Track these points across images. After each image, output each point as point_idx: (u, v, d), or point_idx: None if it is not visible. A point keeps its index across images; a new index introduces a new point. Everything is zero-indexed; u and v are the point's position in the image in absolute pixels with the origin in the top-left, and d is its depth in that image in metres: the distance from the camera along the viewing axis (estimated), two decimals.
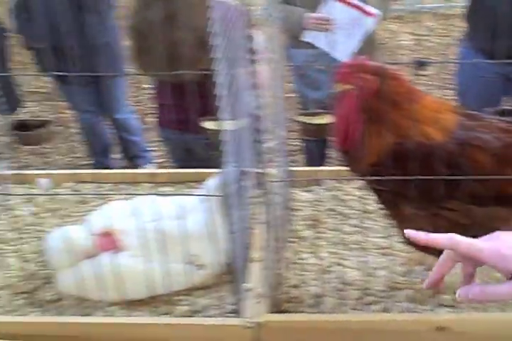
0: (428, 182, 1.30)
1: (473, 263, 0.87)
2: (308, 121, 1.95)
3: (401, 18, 6.41)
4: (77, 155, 4.36)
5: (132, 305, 1.53)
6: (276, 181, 1.86)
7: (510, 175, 1.33)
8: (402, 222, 1.44)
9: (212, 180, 1.66)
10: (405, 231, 0.90)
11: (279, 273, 1.59)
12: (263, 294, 1.41)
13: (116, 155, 4.25)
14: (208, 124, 2.04)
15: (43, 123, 1.95)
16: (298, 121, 1.99)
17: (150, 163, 4.15)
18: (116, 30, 3.81)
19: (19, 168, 2.13)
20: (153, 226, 1.55)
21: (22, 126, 1.99)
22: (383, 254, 1.68)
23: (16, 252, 1.74)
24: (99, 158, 4.07)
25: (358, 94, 1.41)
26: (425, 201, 1.37)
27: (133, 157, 4.14)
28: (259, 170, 1.95)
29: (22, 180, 2.12)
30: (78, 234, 1.56)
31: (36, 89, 5.37)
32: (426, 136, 1.38)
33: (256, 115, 1.79)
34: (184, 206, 1.64)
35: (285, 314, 1.39)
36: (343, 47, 3.26)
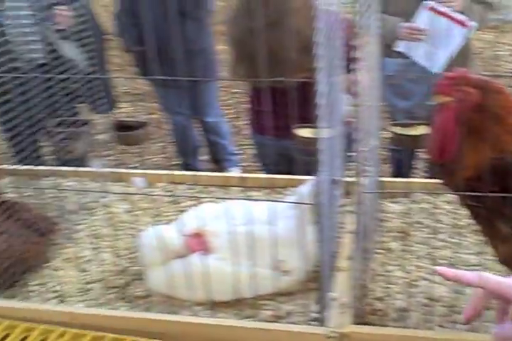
0: None
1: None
2: (400, 132, 1.93)
3: (497, 28, 6.22)
4: (167, 155, 4.48)
5: (218, 306, 1.56)
6: (367, 192, 1.86)
7: None
8: (497, 240, 1.40)
9: (304, 187, 1.67)
10: (436, 267, 0.88)
11: (365, 284, 1.59)
12: (348, 304, 1.41)
13: (203, 157, 4.35)
14: (302, 132, 2.05)
15: (140, 125, 2.02)
16: (390, 131, 1.97)
17: (236, 166, 4.22)
18: (212, 35, 3.90)
19: (115, 167, 2.20)
20: (244, 229, 1.58)
21: (120, 127, 2.07)
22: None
23: (110, 248, 1.81)
24: (188, 159, 4.17)
25: (457, 106, 1.39)
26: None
27: (220, 160, 4.22)
28: (350, 180, 1.96)
29: (118, 178, 2.20)
30: (171, 233, 1.60)
31: (130, 90, 5.57)
32: None
33: (350, 123, 1.79)
34: (274, 211, 1.66)
35: (369, 326, 1.38)
36: (435, 58, 3.21)
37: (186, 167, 4.12)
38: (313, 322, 1.41)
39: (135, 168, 3.86)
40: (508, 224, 1.36)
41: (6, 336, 1.41)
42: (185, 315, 1.48)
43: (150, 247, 1.58)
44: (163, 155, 4.54)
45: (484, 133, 1.36)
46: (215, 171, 3.93)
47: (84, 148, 2.01)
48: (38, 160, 2.04)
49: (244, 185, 2.06)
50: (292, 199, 1.67)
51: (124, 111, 5.19)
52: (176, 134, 4.10)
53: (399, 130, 1.98)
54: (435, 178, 1.48)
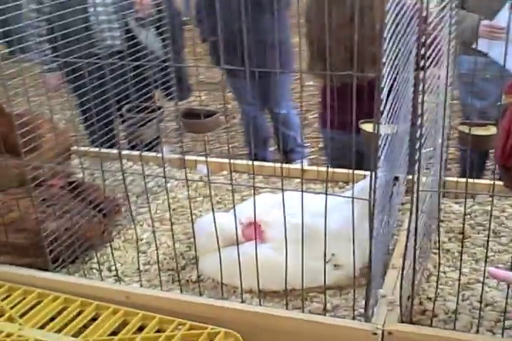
0: None
1: None
2: (468, 131, 1.89)
3: None
4: (236, 144, 4.53)
5: (267, 295, 1.58)
6: (426, 191, 1.83)
7: None
8: None
9: (362, 182, 1.67)
10: (489, 268, 0.86)
11: (416, 284, 1.57)
12: (396, 302, 1.41)
13: (272, 148, 4.38)
14: (366, 126, 2.04)
15: (210, 113, 2.06)
16: (458, 130, 1.93)
17: (304, 158, 4.22)
18: (288, 28, 3.91)
19: (181, 153, 2.26)
20: (298, 221, 1.59)
21: (190, 114, 2.11)
22: None
23: (169, 232, 1.86)
24: (256, 149, 4.20)
25: None
26: None
27: (288, 151, 4.23)
28: (410, 177, 1.93)
29: (183, 165, 2.25)
30: (226, 220, 1.63)
31: (205, 79, 5.65)
32: None
33: (415, 120, 1.76)
34: (330, 205, 1.66)
35: (415, 326, 1.37)
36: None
37: (255, 157, 4.16)
38: (359, 318, 1.41)
39: (201, 155, 3.94)
40: None
41: (63, 309, 1.48)
42: (234, 302, 1.51)
43: (205, 233, 1.62)
44: (232, 145, 4.60)
45: None
46: (283, 162, 3.96)
47: (152, 134, 2.07)
48: (109, 143, 2.11)
49: (305, 177, 2.07)
50: (349, 193, 1.67)
51: (200, 99, 5.28)
52: (245, 124, 4.14)
53: (467, 129, 1.94)
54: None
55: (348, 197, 1.40)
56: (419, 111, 1.41)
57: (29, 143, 1.74)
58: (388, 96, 1.40)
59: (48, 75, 3.24)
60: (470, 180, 2.05)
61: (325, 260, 1.57)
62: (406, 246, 1.50)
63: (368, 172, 1.71)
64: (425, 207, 1.80)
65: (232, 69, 3.69)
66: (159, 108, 2.14)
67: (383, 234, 1.61)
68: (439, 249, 1.74)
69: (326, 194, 1.37)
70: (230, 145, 4.80)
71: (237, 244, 1.59)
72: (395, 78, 1.49)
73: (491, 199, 1.94)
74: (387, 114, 1.40)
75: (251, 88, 3.91)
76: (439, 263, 1.50)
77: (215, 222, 1.61)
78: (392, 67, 1.33)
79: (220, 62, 3.70)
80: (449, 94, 1.83)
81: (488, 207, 1.92)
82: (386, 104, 1.33)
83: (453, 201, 2.00)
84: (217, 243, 1.61)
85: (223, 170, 2.24)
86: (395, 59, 1.36)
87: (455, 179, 2.01)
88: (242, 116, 4.14)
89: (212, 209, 1.50)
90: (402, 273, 1.45)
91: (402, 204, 1.95)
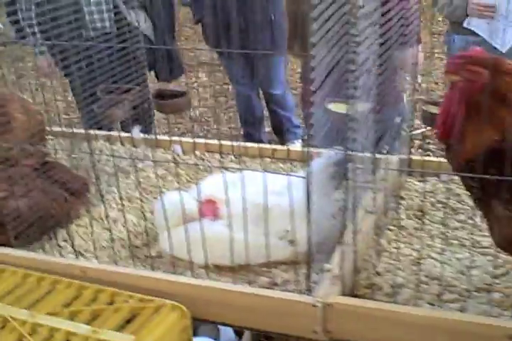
0: None
1: None
2: (430, 110, 1.91)
3: None
4: (233, 125, 4.57)
5: (222, 270, 1.62)
6: (387, 169, 1.86)
7: None
8: (494, 222, 1.38)
9: (317, 160, 1.70)
10: None
11: (366, 259, 1.61)
12: (339, 276, 1.44)
13: (268, 128, 4.41)
14: (332, 106, 2.06)
15: (180, 94, 2.09)
16: (422, 109, 1.95)
17: (299, 139, 4.24)
18: (281, 8, 3.89)
19: (154, 134, 2.30)
20: (254, 199, 1.63)
21: (161, 95, 2.15)
22: (482, 254, 1.63)
23: (136, 210, 1.91)
24: (251, 129, 4.23)
25: (465, 86, 1.37)
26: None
27: (284, 132, 4.25)
28: (374, 156, 1.96)
29: (159, 145, 2.30)
30: (185, 198, 1.67)
31: (210, 60, 5.67)
32: None
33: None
34: (286, 183, 1.69)
35: (355, 298, 1.41)
36: (504, 36, 3.10)
37: (250, 138, 4.19)
38: (305, 291, 1.45)
39: (200, 137, 3.98)
40: (503, 206, 1.34)
41: (20, 284, 1.54)
42: (187, 277, 1.56)
43: (164, 211, 1.66)
44: (229, 125, 4.63)
45: (489, 114, 1.33)
46: (278, 143, 3.99)
47: (123, 115, 2.10)
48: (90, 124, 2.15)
49: (276, 156, 2.10)
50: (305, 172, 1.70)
51: (200, 81, 5.32)
52: (239, 104, 4.17)
53: (431, 109, 1.95)
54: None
55: (284, 174, 1.43)
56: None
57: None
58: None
59: (41, 58, 3.29)
60: (435, 159, 2.07)
61: (280, 236, 1.62)
62: (361, 223, 1.54)
63: (324, 151, 1.76)
64: (386, 185, 1.83)
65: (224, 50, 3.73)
66: (128, 90, 2.16)
67: (339, 211, 1.65)
68: (395, 226, 1.78)
69: (266, 172, 1.40)
70: (228, 127, 4.81)
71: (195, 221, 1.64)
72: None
73: (455, 177, 1.97)
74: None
75: (243, 68, 3.93)
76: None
77: (174, 200, 1.66)
78: (331, 46, 1.35)
79: (213, 43, 3.74)
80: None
81: (452, 186, 1.94)
82: (324, 82, 1.35)
83: (417, 179, 2.02)
84: (176, 220, 1.66)
85: (196, 149, 2.28)
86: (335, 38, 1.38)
87: (420, 158, 2.02)
88: (236, 97, 4.17)
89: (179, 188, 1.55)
90: (351, 249, 1.48)
91: (365, 182, 1.96)
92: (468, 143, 1.36)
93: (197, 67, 5.35)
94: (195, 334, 2.48)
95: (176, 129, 4.89)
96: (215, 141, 2.27)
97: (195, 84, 5.54)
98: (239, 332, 2.48)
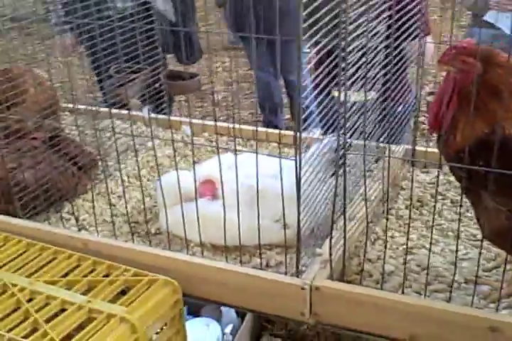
0: (508, 178, 1.25)
1: None
2: (430, 100, 1.92)
3: None
4: (253, 111, 4.59)
5: (218, 250, 1.66)
6: (388, 158, 1.87)
7: None
8: (482, 214, 1.40)
9: (316, 146, 1.73)
10: None
11: (358, 246, 1.63)
12: (329, 261, 1.47)
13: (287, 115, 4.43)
14: (336, 93, 2.08)
15: (192, 76, 2.13)
16: (426, 101, 1.96)
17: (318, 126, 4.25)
18: None
19: (167, 114, 2.33)
20: (250, 181, 1.66)
21: (173, 76, 2.18)
22: (476, 246, 1.64)
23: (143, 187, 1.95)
24: (269, 116, 4.25)
25: (457, 77, 1.38)
26: (504, 196, 1.33)
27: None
28: (377, 145, 1.98)
29: (169, 125, 2.34)
30: (185, 178, 1.71)
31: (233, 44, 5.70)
32: None
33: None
34: (283, 167, 1.72)
35: (344, 283, 1.44)
36: None
37: (268, 124, 4.21)
38: (294, 274, 1.48)
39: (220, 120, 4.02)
40: (491, 198, 1.36)
41: (24, 252, 1.60)
42: (183, 254, 1.60)
43: (164, 189, 1.70)
44: (251, 111, 4.66)
45: (480, 106, 1.34)
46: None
47: (133, 94, 2.14)
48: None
49: (282, 141, 2.13)
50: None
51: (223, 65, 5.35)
52: (259, 90, 4.19)
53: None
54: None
55: (274, 156, 1.46)
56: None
57: (12, 98, 1.85)
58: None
59: (61, 37, 3.34)
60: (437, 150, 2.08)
61: (275, 219, 1.65)
62: (357, 210, 1.57)
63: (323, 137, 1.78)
64: (384, 174, 1.84)
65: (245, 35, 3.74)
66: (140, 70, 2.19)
67: (337, 196, 1.67)
68: (393, 215, 1.80)
69: (257, 153, 1.43)
70: (249, 113, 4.82)
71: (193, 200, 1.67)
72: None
73: None
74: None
75: (264, 54, 3.94)
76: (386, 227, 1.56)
77: (173, 180, 1.70)
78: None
79: (235, 28, 3.78)
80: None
81: (452, 178, 1.95)
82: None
83: (421, 170, 2.04)
84: (175, 199, 1.70)
85: (205, 131, 2.31)
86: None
87: (424, 149, 2.03)
88: (256, 83, 4.19)
89: (176, 168, 1.59)
90: (344, 235, 1.51)
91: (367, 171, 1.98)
92: (458, 134, 1.37)
93: (222, 52, 5.38)
94: (197, 314, 2.54)
95: (196, 113, 4.95)
96: (224, 124, 2.30)
97: (219, 69, 5.58)
98: (241, 314, 2.53)
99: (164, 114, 2.39)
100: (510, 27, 3.09)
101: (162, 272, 1.50)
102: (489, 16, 3.14)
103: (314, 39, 1.33)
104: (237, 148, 2.19)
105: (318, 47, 1.32)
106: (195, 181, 1.60)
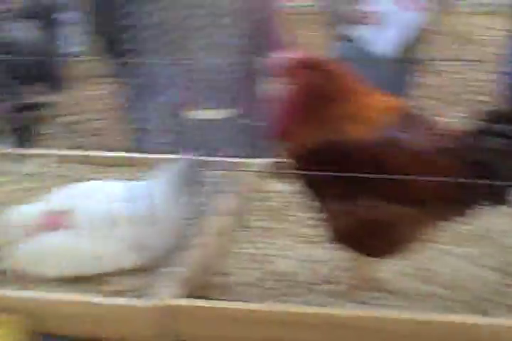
0: (342, 179, 1.28)
1: None
2: None
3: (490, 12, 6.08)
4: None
5: (71, 282, 1.58)
6: (242, 171, 1.89)
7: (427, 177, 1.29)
8: (327, 216, 1.43)
9: (167, 166, 1.70)
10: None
11: (215, 261, 1.62)
12: (179, 278, 1.44)
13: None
14: (192, 113, 2.09)
15: (35, 106, 2.06)
16: None
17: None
18: None
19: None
20: (101, 207, 1.61)
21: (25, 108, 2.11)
22: (328, 248, 1.66)
23: None
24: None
25: (291, 87, 1.42)
26: (341, 198, 1.36)
27: None
28: (228, 160, 1.99)
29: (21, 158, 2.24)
30: (30, 211, 1.64)
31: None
32: (350, 134, 1.35)
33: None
34: (136, 190, 1.68)
35: (189, 299, 1.40)
36: (381, 41, 3.20)
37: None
38: (145, 296, 1.44)
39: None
40: (334, 202, 1.39)
41: None
42: (26, 291, 1.51)
43: (7, 226, 1.62)
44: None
45: (315, 114, 1.38)
46: None
47: None
48: None
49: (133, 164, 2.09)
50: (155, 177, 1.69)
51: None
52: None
53: None
54: None
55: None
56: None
57: None
58: None
59: None
60: None
61: (128, 244, 1.61)
62: (210, 226, 1.55)
63: (174, 156, 1.76)
64: (238, 187, 1.86)
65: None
66: None
67: (189, 215, 1.66)
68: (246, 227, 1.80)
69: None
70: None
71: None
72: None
73: None
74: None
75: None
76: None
77: (18, 214, 1.62)
78: None
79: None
80: None
81: None
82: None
83: (280, 181, 2.05)
84: (19, 235, 1.62)
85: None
86: None
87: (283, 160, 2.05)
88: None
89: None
90: (196, 252, 1.50)
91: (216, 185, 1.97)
92: (297, 141, 1.40)
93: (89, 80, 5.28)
94: None
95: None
96: (74, 152, 2.24)
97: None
98: None
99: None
100: (367, 39, 3.21)
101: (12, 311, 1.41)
102: (348, 29, 3.26)
103: None
104: (93, 175, 2.14)
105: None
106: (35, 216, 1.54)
